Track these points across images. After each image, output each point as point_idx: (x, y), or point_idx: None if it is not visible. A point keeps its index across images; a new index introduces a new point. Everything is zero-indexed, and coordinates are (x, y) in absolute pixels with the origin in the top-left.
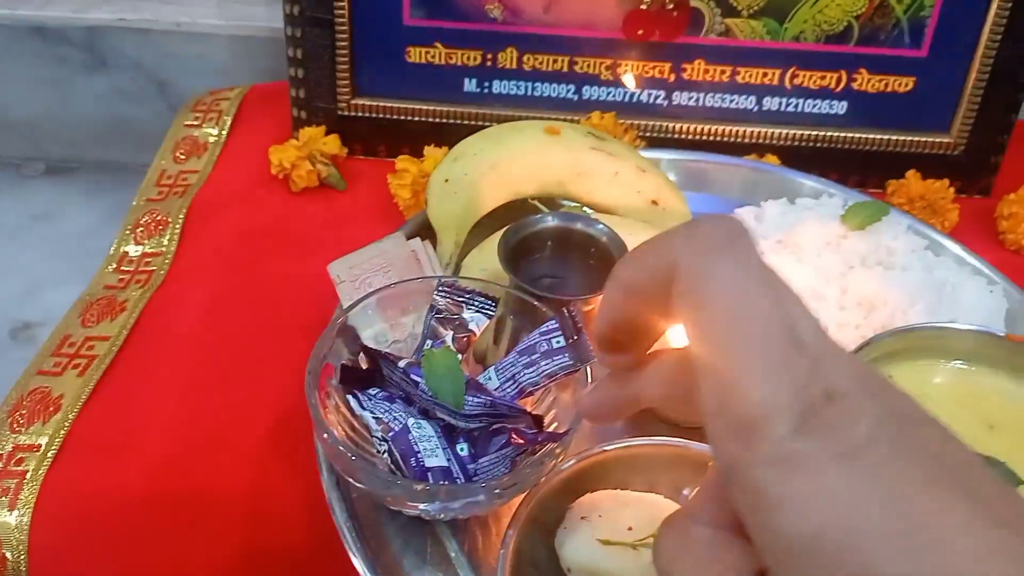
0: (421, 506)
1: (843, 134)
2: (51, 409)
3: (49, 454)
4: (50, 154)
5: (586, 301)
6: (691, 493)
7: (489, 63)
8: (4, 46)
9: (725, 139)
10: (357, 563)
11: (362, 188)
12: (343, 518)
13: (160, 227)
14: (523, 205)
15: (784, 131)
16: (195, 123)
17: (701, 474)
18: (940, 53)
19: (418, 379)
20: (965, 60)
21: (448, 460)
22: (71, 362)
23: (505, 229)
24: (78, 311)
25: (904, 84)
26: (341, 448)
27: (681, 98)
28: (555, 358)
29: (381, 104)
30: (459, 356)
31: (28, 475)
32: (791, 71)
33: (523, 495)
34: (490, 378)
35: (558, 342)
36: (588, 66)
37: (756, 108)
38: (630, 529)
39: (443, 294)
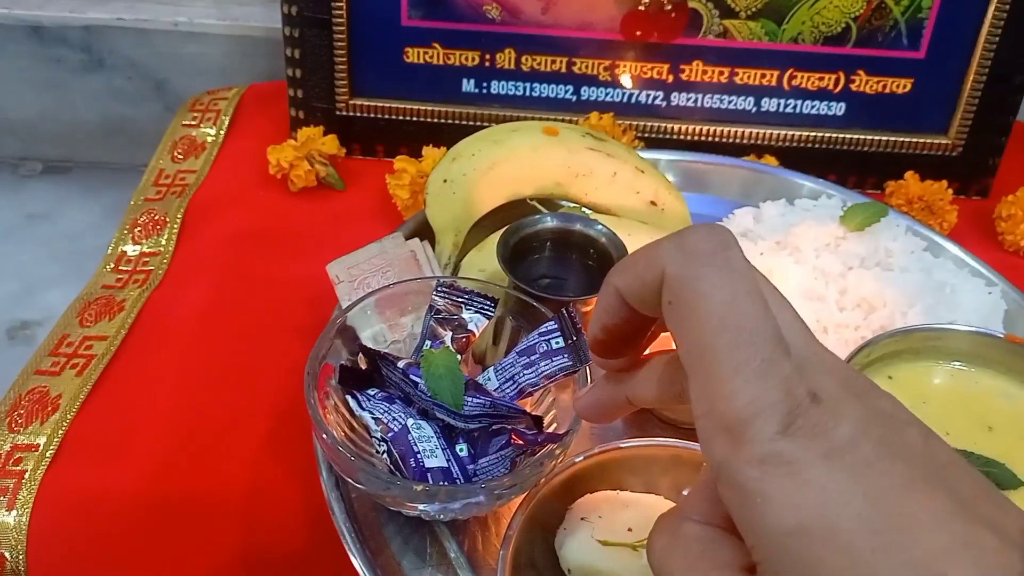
0: (420, 507)
1: (841, 135)
2: (49, 409)
3: (47, 454)
4: (47, 154)
5: (585, 302)
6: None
7: (487, 63)
8: (1, 46)
9: (723, 140)
10: (356, 563)
11: (360, 188)
12: (342, 518)
13: (158, 227)
14: (522, 205)
15: (782, 132)
16: (193, 123)
17: (698, 475)
18: (938, 55)
19: (417, 379)
20: (963, 62)
21: (448, 461)
22: (69, 362)
23: (504, 229)
24: (76, 311)
25: (902, 85)
26: (340, 448)
27: (679, 99)
28: (554, 359)
29: (379, 104)
30: (458, 356)
31: (26, 475)
32: (789, 72)
33: (523, 496)
34: (489, 379)
35: (557, 343)
36: (586, 67)
37: (754, 109)
38: (630, 530)
39: (442, 294)
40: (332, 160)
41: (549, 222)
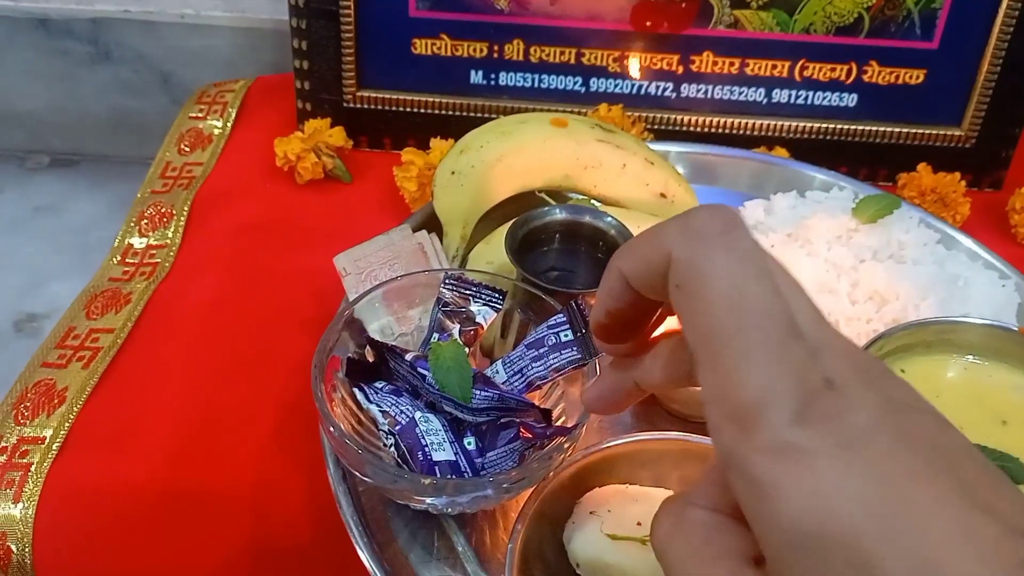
0: (428, 500)
1: (853, 127)
2: (56, 401)
3: (54, 446)
4: (54, 147)
5: (594, 294)
6: None
7: (496, 55)
8: (8, 38)
9: (734, 132)
10: (363, 557)
11: (368, 180)
12: (349, 512)
13: (165, 219)
14: (530, 198)
15: (794, 124)
16: (200, 115)
17: None
18: (951, 45)
19: (425, 372)
20: (977, 52)
21: (456, 454)
22: (76, 354)
23: (512, 222)
24: (83, 303)
25: (915, 76)
26: (347, 441)
27: (689, 90)
28: (563, 352)
29: (387, 96)
30: (466, 349)
31: (33, 467)
32: (801, 63)
33: (531, 489)
34: (498, 372)
35: (566, 335)
36: (595, 58)
37: (765, 100)
38: (639, 524)
39: (450, 287)
40: (339, 152)
41: (558, 214)
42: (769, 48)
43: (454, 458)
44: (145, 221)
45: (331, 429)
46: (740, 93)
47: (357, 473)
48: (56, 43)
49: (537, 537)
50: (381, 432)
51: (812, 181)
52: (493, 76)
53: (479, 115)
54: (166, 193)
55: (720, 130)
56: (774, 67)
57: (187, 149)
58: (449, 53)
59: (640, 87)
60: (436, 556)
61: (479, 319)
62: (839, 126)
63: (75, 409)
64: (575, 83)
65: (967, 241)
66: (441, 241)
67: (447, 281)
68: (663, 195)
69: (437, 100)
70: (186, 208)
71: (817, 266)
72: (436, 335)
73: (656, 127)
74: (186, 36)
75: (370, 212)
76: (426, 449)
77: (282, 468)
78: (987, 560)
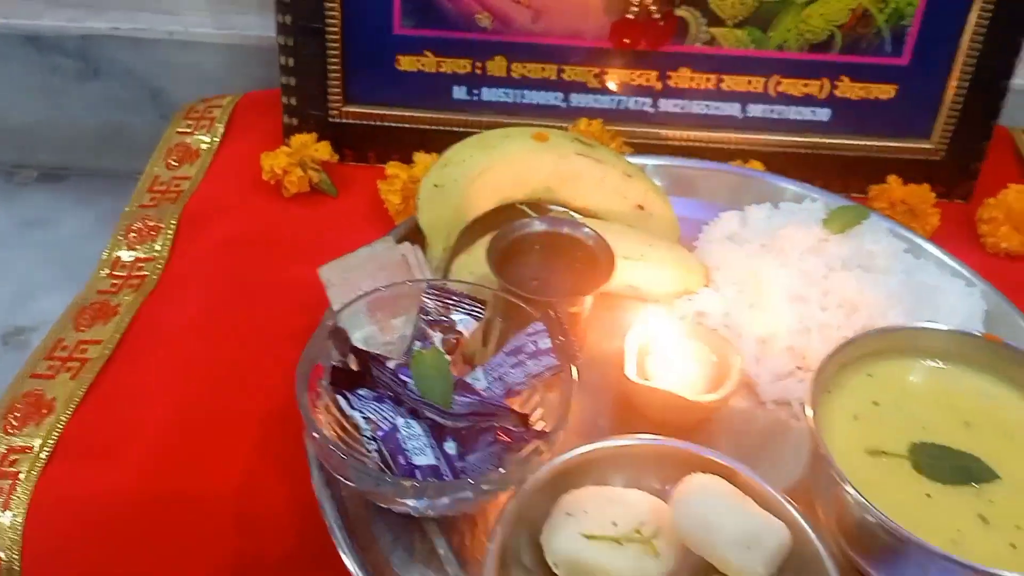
0: (410, 503)
1: (826, 140)
2: (44, 411)
3: (42, 456)
4: (43, 161)
5: (572, 302)
6: (673, 489)
7: (479, 71)
8: None
9: (710, 145)
10: (347, 561)
11: (353, 193)
12: (333, 516)
13: (153, 233)
14: (512, 210)
15: (768, 137)
16: (187, 130)
17: (683, 471)
18: (921, 61)
19: (407, 379)
20: (945, 68)
21: (437, 459)
22: (64, 365)
23: (493, 233)
24: (71, 315)
25: (886, 91)
26: (331, 447)
27: (667, 105)
28: (541, 358)
29: (372, 111)
30: (448, 357)
31: (21, 476)
32: (775, 79)
33: (510, 492)
34: (478, 378)
35: (544, 343)
36: (576, 74)
37: (741, 115)
38: (615, 524)
39: (432, 296)
40: (325, 166)
41: (537, 226)
42: (744, 64)
43: (435, 462)
44: (133, 234)
45: (315, 435)
46: (716, 108)
47: (340, 477)
48: (46, 59)
49: (516, 538)
50: (364, 438)
51: (785, 193)
52: (476, 92)
53: (462, 130)
54: (154, 207)
55: (697, 144)
56: (749, 83)
57: (175, 163)
58: (433, 69)
59: (619, 102)
60: (418, 559)
61: (460, 328)
62: (812, 140)
63: (63, 419)
64: (556, 98)
65: (935, 251)
66: (424, 253)
67: (429, 291)
68: (641, 207)
69: (421, 115)
70: (174, 221)
71: (790, 275)
72: (418, 343)
73: (635, 141)
74: (175, 52)
75: (355, 225)
76: (407, 454)
77: (267, 475)
78: None
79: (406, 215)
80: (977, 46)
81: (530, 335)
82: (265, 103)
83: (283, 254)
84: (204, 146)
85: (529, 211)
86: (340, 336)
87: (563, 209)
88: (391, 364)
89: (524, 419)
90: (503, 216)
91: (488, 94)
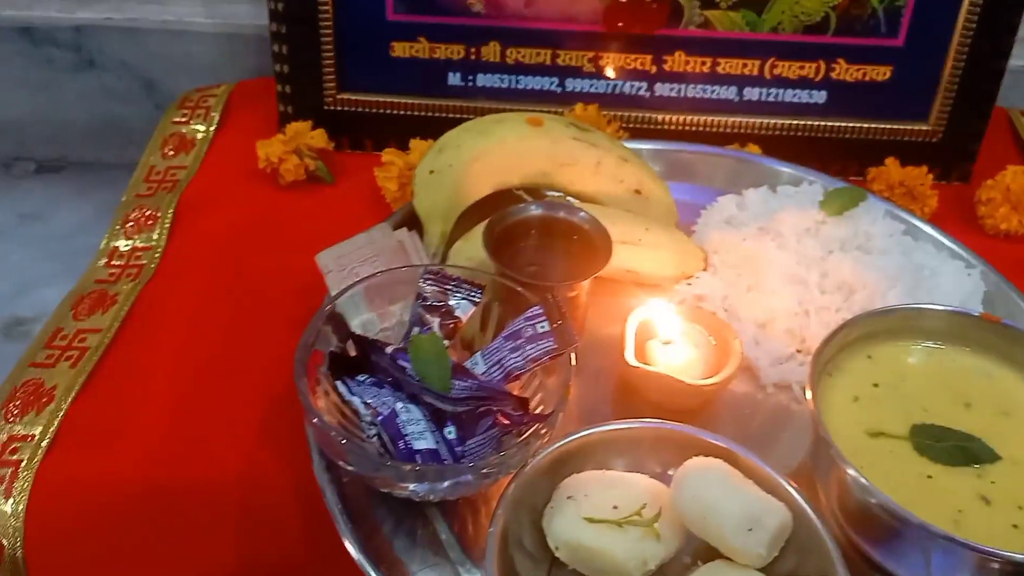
0: (411, 487)
1: (823, 123)
2: (44, 400)
3: (43, 443)
4: (39, 154)
5: (570, 287)
6: (675, 473)
7: (473, 57)
8: None
9: (707, 129)
10: (349, 546)
11: (349, 181)
12: (334, 501)
13: (150, 222)
14: (508, 195)
15: (765, 121)
16: (183, 120)
17: (684, 455)
18: (916, 42)
19: (406, 364)
20: (941, 48)
21: (436, 443)
22: (64, 354)
23: (490, 218)
24: (69, 304)
25: (882, 73)
26: (331, 432)
27: (663, 89)
28: (540, 342)
29: (367, 98)
30: (446, 342)
31: (23, 464)
32: (770, 62)
33: (510, 476)
34: (476, 363)
35: (543, 327)
36: (570, 59)
37: (737, 98)
38: (615, 508)
39: (429, 282)
40: (321, 154)
41: (534, 210)
42: (739, 47)
43: (435, 446)
44: (130, 224)
45: (315, 421)
46: (712, 92)
47: (341, 463)
48: (40, 51)
49: (516, 522)
50: (364, 423)
51: (782, 176)
52: (471, 78)
53: (457, 116)
54: (150, 196)
55: (693, 128)
56: (745, 66)
57: (171, 153)
58: (427, 56)
59: (615, 87)
60: (419, 543)
61: (458, 313)
62: (809, 122)
63: (63, 407)
64: (551, 83)
65: (933, 232)
66: (421, 239)
67: (427, 277)
68: (638, 191)
69: (416, 102)
70: (171, 211)
71: (788, 258)
72: (416, 329)
73: (631, 126)
74: (168, 42)
75: (352, 212)
76: (407, 438)
77: (268, 461)
78: None
79: (402, 202)
80: (972, 26)
81: (529, 319)
82: (260, 91)
83: (280, 242)
84: (199, 135)
85: (525, 196)
86: (338, 322)
87: (559, 194)
88: (389, 349)
89: (523, 403)
90: (500, 202)
91: (483, 80)
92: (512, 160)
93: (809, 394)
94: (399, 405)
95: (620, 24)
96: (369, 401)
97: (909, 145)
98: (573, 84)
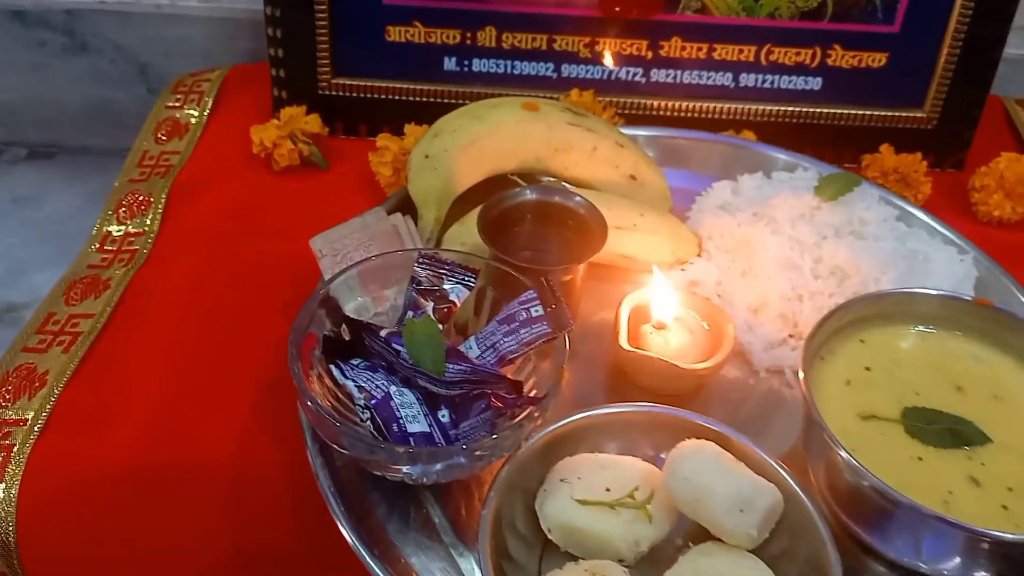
0: (404, 469)
1: (818, 109)
2: (37, 384)
3: (36, 428)
4: (31, 139)
5: (565, 271)
6: (667, 456)
7: (468, 42)
8: None
9: (702, 115)
10: (343, 529)
11: (343, 166)
12: (328, 485)
13: (143, 207)
14: (503, 180)
15: (760, 107)
16: (176, 104)
17: (676, 438)
18: (912, 29)
19: (399, 348)
20: (937, 36)
21: (430, 426)
22: (56, 339)
23: (484, 203)
24: (61, 289)
25: (878, 60)
26: (325, 415)
27: (659, 75)
28: (534, 326)
29: (361, 83)
30: (440, 326)
31: (15, 449)
32: (767, 48)
33: (504, 460)
34: (471, 347)
35: (537, 311)
36: (567, 44)
37: (733, 85)
38: (608, 490)
39: (424, 266)
40: (315, 139)
41: (529, 195)
42: (736, 33)
43: (428, 430)
44: (123, 209)
45: (308, 404)
46: (708, 78)
47: (335, 446)
48: (32, 34)
49: (509, 505)
50: (357, 407)
51: (777, 162)
52: (466, 62)
53: (453, 101)
54: (144, 181)
55: (689, 114)
56: (741, 52)
57: (164, 138)
58: (422, 40)
59: (611, 73)
60: (413, 526)
61: (452, 297)
62: (805, 109)
63: (56, 392)
64: (547, 69)
65: (927, 218)
66: (416, 223)
67: (421, 261)
68: (633, 177)
69: (411, 87)
70: (164, 196)
71: (782, 243)
72: (410, 313)
73: (626, 112)
74: (162, 26)
75: (346, 197)
76: (401, 421)
77: (261, 445)
78: None
79: (397, 187)
80: (968, 13)
81: (523, 303)
82: (254, 76)
83: (274, 227)
84: (193, 120)
85: (520, 181)
86: (332, 306)
87: (554, 179)
88: (383, 333)
89: (517, 386)
90: (495, 186)
91: (479, 65)
92: (508, 145)
93: (802, 375)
94: (393, 389)
95: (617, 9)
96: (363, 384)
97: (904, 132)
98: (569, 69)
